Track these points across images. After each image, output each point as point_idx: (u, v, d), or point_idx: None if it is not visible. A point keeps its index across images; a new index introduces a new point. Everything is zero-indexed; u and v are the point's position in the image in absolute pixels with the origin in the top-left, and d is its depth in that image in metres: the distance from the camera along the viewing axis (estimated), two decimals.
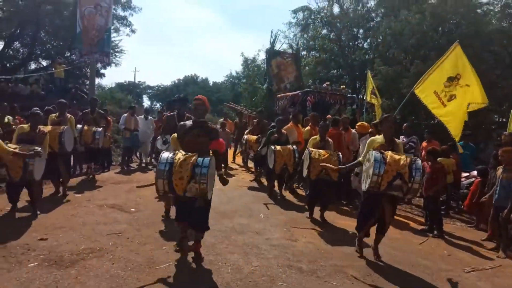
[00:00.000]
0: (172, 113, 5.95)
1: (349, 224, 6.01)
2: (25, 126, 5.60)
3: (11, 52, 21.63)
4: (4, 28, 20.13)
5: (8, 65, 21.04)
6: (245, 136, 9.37)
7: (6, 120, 7.38)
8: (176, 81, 56.20)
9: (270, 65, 14.75)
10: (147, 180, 8.67)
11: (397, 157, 4.23)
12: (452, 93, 6.87)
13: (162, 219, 5.55)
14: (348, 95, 11.34)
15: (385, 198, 4.39)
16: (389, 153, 4.28)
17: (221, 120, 12.17)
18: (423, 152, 7.26)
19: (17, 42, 21.54)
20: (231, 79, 37.94)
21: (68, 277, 3.53)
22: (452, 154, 7.37)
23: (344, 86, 12.38)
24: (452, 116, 6.87)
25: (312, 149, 6.04)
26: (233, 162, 12.22)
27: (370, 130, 7.31)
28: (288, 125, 7.92)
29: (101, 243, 4.44)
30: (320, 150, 6.00)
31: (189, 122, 4.17)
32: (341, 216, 6.54)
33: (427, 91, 7.29)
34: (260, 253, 4.48)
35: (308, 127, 7.59)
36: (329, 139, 6.41)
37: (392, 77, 13.57)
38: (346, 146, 7.41)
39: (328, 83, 11.87)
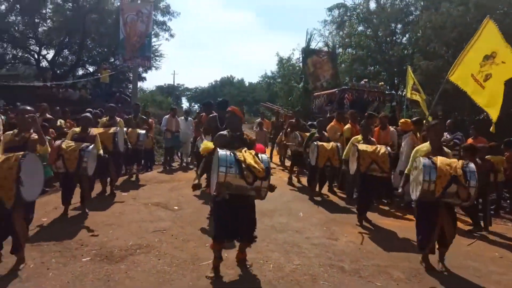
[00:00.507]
0: (213, 115, 6.09)
1: (391, 224, 5.88)
2: (77, 129, 5.95)
3: (60, 60, 23.00)
4: (54, 37, 21.44)
5: (58, 71, 22.36)
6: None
7: (58, 123, 7.91)
8: (213, 83, 57.21)
9: (306, 63, 14.66)
10: (188, 179, 8.91)
11: (448, 160, 3.99)
12: (488, 72, 6.36)
13: (207, 217, 5.68)
14: (387, 92, 11.04)
15: (441, 207, 4.08)
16: (439, 157, 4.03)
17: (258, 120, 12.27)
18: None
19: (66, 50, 22.88)
20: (266, 79, 37.98)
21: (118, 271, 3.73)
22: (508, 151, 6.97)
23: (382, 83, 12.05)
24: (490, 97, 6.35)
25: (358, 143, 5.85)
26: (270, 161, 12.24)
27: (412, 127, 7.07)
28: (332, 123, 7.70)
29: (147, 240, 4.64)
30: (367, 145, 5.85)
31: (227, 134, 4.00)
32: (382, 216, 6.38)
33: (464, 75, 6.79)
34: (300, 251, 4.50)
35: (348, 125, 7.44)
36: (372, 139, 6.25)
37: (433, 72, 13.03)
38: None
39: (366, 80, 11.63)
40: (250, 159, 3.54)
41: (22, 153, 3.65)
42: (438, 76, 12.74)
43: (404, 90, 11.77)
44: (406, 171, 4.57)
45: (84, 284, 3.44)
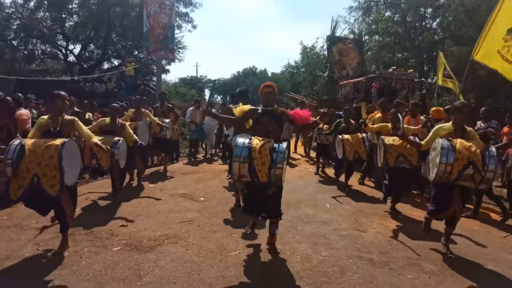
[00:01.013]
0: (235, 106, 6.06)
1: (421, 215, 5.68)
2: (107, 119, 6.08)
3: (87, 54, 23.54)
4: (80, 31, 21.94)
5: (85, 66, 22.91)
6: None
7: (86, 116, 8.08)
8: (236, 74, 57.19)
9: (332, 52, 14.33)
10: (213, 170, 8.97)
11: (467, 144, 3.89)
12: None
13: (233, 208, 5.70)
14: (416, 79, 10.63)
15: (456, 189, 4.06)
16: (458, 140, 3.94)
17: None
18: (504, 138, 6.62)
19: (91, 44, 23.37)
20: (289, 69, 37.62)
21: (148, 261, 3.79)
22: None
23: (411, 70, 11.65)
24: None
25: (385, 136, 5.73)
26: (295, 152, 12.18)
27: (445, 115, 6.81)
28: (379, 114, 7.33)
29: (175, 230, 4.69)
30: (394, 137, 5.69)
31: (259, 109, 4.15)
32: (413, 207, 6.21)
33: (489, 53, 6.38)
34: (328, 243, 4.44)
35: (379, 114, 7.20)
36: (406, 125, 6.06)
37: (466, 57, 12.48)
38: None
39: (395, 67, 11.24)
40: (258, 161, 3.68)
41: (62, 140, 3.78)
42: (472, 62, 12.22)
43: (435, 77, 11.34)
44: (423, 143, 4.42)
45: (115, 272, 3.52)
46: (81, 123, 4.37)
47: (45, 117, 4.28)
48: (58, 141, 3.76)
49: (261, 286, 3.38)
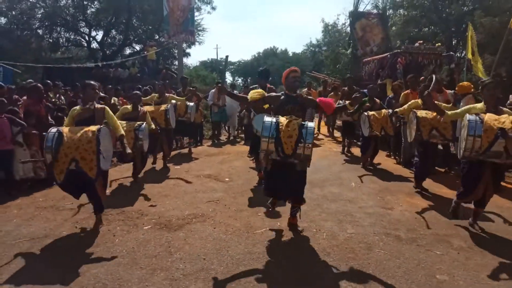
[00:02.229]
0: (254, 86, 6.08)
1: (450, 192, 5.60)
2: (129, 106, 6.22)
3: (109, 40, 23.81)
4: (102, 18, 22.16)
5: (107, 52, 23.24)
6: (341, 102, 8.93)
7: (112, 101, 8.25)
8: (256, 55, 56.61)
9: (354, 28, 13.90)
10: (236, 152, 9.05)
11: (496, 116, 3.76)
12: None
13: (254, 188, 5.78)
14: (444, 54, 10.22)
15: (487, 168, 3.93)
16: (487, 114, 3.80)
17: (305, 89, 12.01)
18: None
19: (113, 30, 23.58)
20: (311, 48, 36.93)
21: (177, 238, 3.91)
22: None
23: (439, 44, 11.21)
24: None
25: (417, 110, 5.53)
26: (318, 132, 12.08)
27: (472, 90, 6.57)
28: (407, 91, 7.04)
29: (202, 210, 4.80)
30: (426, 111, 5.47)
31: (282, 95, 4.09)
32: (441, 184, 6.09)
33: None
34: (354, 220, 4.44)
35: (407, 91, 6.98)
36: (437, 102, 5.86)
37: (498, 29, 11.88)
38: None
39: (421, 41, 10.83)
40: (285, 133, 3.64)
41: (97, 126, 3.99)
42: (504, 33, 11.63)
43: (464, 51, 10.88)
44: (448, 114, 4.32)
45: (147, 249, 3.66)
46: (111, 113, 4.53)
47: (77, 107, 4.49)
48: (94, 127, 3.97)
49: (287, 262, 3.43)
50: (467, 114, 3.88)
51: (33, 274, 3.21)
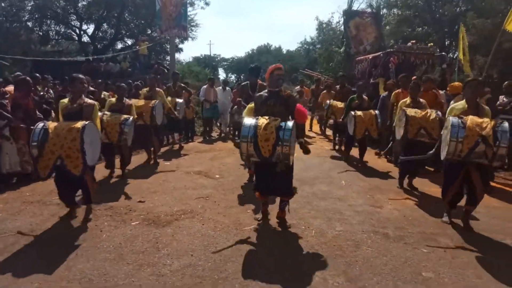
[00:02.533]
0: (245, 83, 6.06)
1: (439, 191, 5.62)
2: (113, 99, 6.22)
3: (100, 34, 23.59)
4: (93, 11, 21.92)
5: (98, 46, 23.01)
6: (328, 102, 8.98)
7: (102, 95, 8.16)
8: (250, 52, 56.46)
9: (348, 26, 13.93)
10: (228, 149, 9.02)
11: (479, 120, 3.84)
12: None
13: (244, 184, 5.77)
14: (437, 54, 10.30)
15: (471, 166, 4.01)
16: (470, 117, 3.89)
17: (298, 88, 12.01)
18: None
19: (105, 24, 23.37)
20: (305, 46, 36.97)
21: (165, 234, 3.89)
22: None
23: (432, 44, 11.28)
24: None
25: (407, 108, 5.58)
26: (310, 130, 12.10)
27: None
28: (398, 90, 7.06)
29: (191, 206, 4.78)
30: (416, 109, 5.54)
31: (264, 93, 4.12)
32: (430, 183, 6.14)
33: None
34: (343, 218, 4.45)
35: (398, 90, 7.00)
36: (421, 100, 5.92)
37: (490, 30, 12.00)
38: None
39: (414, 41, 10.89)
40: (262, 137, 3.67)
41: (82, 123, 3.95)
42: (496, 35, 11.74)
43: (457, 52, 10.96)
44: (442, 132, 4.38)
45: (134, 245, 3.62)
46: (97, 112, 4.50)
47: (65, 100, 4.45)
48: (79, 124, 3.93)
49: (275, 259, 3.43)
50: (450, 117, 3.98)
51: (18, 268, 3.16)
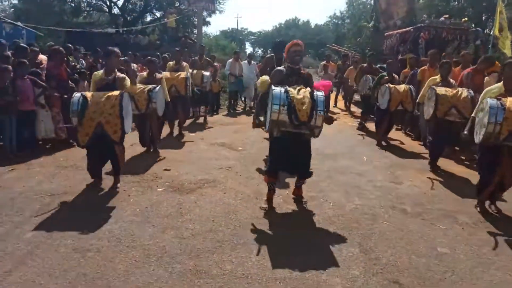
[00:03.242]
0: (271, 55, 6.05)
1: (462, 171, 5.57)
2: (144, 73, 6.32)
3: (130, 6, 23.76)
4: None
5: (128, 18, 23.24)
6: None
7: (132, 67, 8.37)
8: (277, 26, 55.52)
9: (378, 0, 13.46)
10: (251, 123, 9.08)
11: None
12: None
13: (266, 157, 5.87)
14: (471, 30, 9.84)
15: (505, 151, 3.83)
16: (509, 98, 3.68)
17: (323, 62, 11.83)
18: None
19: None
20: (334, 20, 35.99)
21: (188, 201, 4.08)
22: None
23: (466, 19, 10.77)
24: None
25: (436, 87, 5.38)
26: (335, 106, 11.99)
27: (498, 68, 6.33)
28: (424, 67, 6.92)
29: (214, 176, 4.95)
30: (446, 88, 5.35)
31: (284, 69, 4.00)
32: (454, 163, 6.04)
33: None
34: (362, 193, 4.51)
35: (423, 67, 6.78)
36: (451, 80, 5.74)
37: None
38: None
39: (447, 16, 10.43)
40: (298, 100, 3.51)
41: (119, 92, 4.16)
42: None
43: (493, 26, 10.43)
44: (473, 114, 4.20)
45: (159, 209, 3.84)
46: (128, 84, 4.65)
47: (99, 72, 4.62)
48: (117, 92, 4.14)
49: (291, 228, 3.56)
50: (488, 99, 3.75)
51: (52, 226, 3.43)
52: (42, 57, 6.73)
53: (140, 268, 2.82)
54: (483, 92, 4.15)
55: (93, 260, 2.90)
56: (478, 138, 3.91)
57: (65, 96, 5.89)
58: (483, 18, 17.45)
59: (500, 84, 3.98)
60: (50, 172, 4.94)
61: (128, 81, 4.66)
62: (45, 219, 3.59)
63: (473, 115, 4.23)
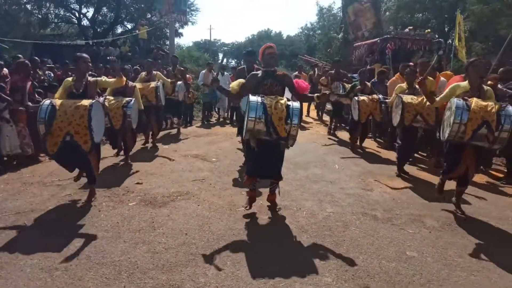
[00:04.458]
0: (242, 67, 6.12)
1: (429, 176, 5.78)
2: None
3: (100, 18, 23.36)
4: None
5: (98, 30, 22.82)
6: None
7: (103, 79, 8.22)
8: (250, 37, 55.99)
9: (347, 12, 13.90)
10: (225, 133, 9.12)
11: (483, 103, 3.84)
12: None
13: (239, 168, 5.89)
14: (434, 40, 10.30)
15: (468, 148, 4.06)
16: (474, 99, 3.89)
17: (295, 73, 12.04)
18: None
19: (104, 7, 23.11)
20: (305, 31, 36.67)
21: (161, 214, 4.03)
22: None
23: (429, 30, 11.26)
24: None
25: (403, 94, 5.61)
26: (307, 115, 12.18)
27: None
28: (393, 77, 7.19)
29: (187, 188, 4.91)
30: (412, 96, 5.57)
31: (260, 73, 4.07)
32: (421, 168, 6.27)
33: None
34: (334, 200, 4.58)
35: (393, 78, 7.07)
36: (417, 87, 5.98)
37: (489, 16, 11.96)
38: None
39: (411, 27, 10.89)
40: (275, 116, 3.59)
41: (89, 101, 4.07)
42: (494, 21, 11.72)
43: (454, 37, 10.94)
44: (436, 101, 4.44)
45: (131, 224, 3.76)
46: (104, 78, 4.71)
47: (70, 79, 4.52)
48: (86, 102, 4.04)
49: (265, 238, 3.57)
50: (455, 99, 3.92)
51: (18, 245, 3.30)
52: (7, 71, 6.52)
53: (111, 285, 2.75)
54: (452, 85, 4.28)
55: (61, 279, 2.80)
56: (444, 135, 4.09)
57: (31, 110, 5.71)
58: (446, 29, 18.28)
59: (466, 83, 4.14)
60: (15, 189, 4.76)
61: (101, 79, 4.64)
62: (10, 238, 3.45)
63: (435, 104, 4.47)
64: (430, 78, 6.72)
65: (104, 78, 4.67)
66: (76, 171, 4.63)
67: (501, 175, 5.99)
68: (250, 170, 4.11)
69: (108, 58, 7.71)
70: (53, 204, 4.27)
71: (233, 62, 49.34)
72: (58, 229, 3.65)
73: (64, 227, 3.68)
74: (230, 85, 4.25)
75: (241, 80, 4.31)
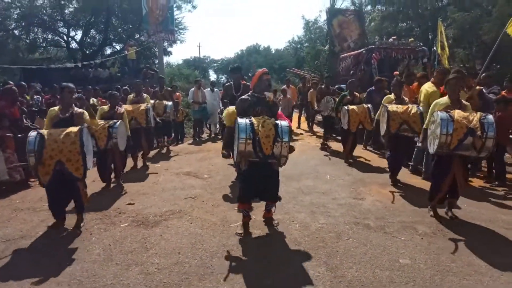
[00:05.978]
0: (229, 84, 6.22)
1: (420, 182, 5.83)
2: (105, 107, 6.25)
3: (88, 40, 23.50)
4: (80, 17, 21.84)
5: (87, 52, 22.93)
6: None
7: (91, 102, 8.23)
8: (239, 52, 56.63)
9: (332, 24, 14.16)
10: (217, 149, 9.11)
11: (465, 113, 4.01)
12: None
13: (232, 183, 5.89)
14: (418, 49, 10.52)
15: (455, 160, 4.14)
16: (456, 110, 4.05)
17: (283, 86, 12.17)
18: None
19: (92, 30, 23.29)
20: (293, 44, 37.17)
21: (154, 234, 4.00)
22: None
23: (412, 39, 11.50)
24: None
25: (388, 104, 5.73)
26: (298, 127, 12.27)
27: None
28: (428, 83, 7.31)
29: (180, 206, 4.89)
30: (398, 105, 5.69)
31: (249, 98, 4.00)
32: (411, 174, 6.33)
33: None
34: (326, 211, 4.60)
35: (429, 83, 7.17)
36: (404, 97, 6.08)
37: (470, 23, 12.25)
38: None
39: (395, 37, 11.12)
40: (262, 134, 3.61)
41: (78, 128, 4.05)
42: (475, 28, 11.99)
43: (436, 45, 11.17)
44: (424, 126, 4.58)
45: (123, 246, 3.73)
46: (88, 117, 4.64)
47: (56, 108, 4.51)
48: (76, 129, 4.03)
49: (259, 252, 3.56)
50: (439, 112, 4.06)
51: (9, 273, 3.24)
52: None
53: None
54: (433, 103, 4.44)
55: None
56: (432, 148, 4.19)
57: (19, 136, 5.70)
58: (430, 37, 18.65)
59: (446, 98, 4.32)
60: (5, 215, 4.70)
61: (86, 115, 4.60)
62: (0, 266, 3.40)
63: (424, 126, 4.56)
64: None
65: (86, 115, 4.61)
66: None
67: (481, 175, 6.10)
68: (241, 196, 3.99)
69: (78, 95, 7.64)
70: (44, 229, 4.22)
71: (223, 78, 49.76)
72: (49, 255, 3.60)
73: (55, 253, 3.63)
74: (226, 119, 4.30)
75: (232, 110, 4.34)
